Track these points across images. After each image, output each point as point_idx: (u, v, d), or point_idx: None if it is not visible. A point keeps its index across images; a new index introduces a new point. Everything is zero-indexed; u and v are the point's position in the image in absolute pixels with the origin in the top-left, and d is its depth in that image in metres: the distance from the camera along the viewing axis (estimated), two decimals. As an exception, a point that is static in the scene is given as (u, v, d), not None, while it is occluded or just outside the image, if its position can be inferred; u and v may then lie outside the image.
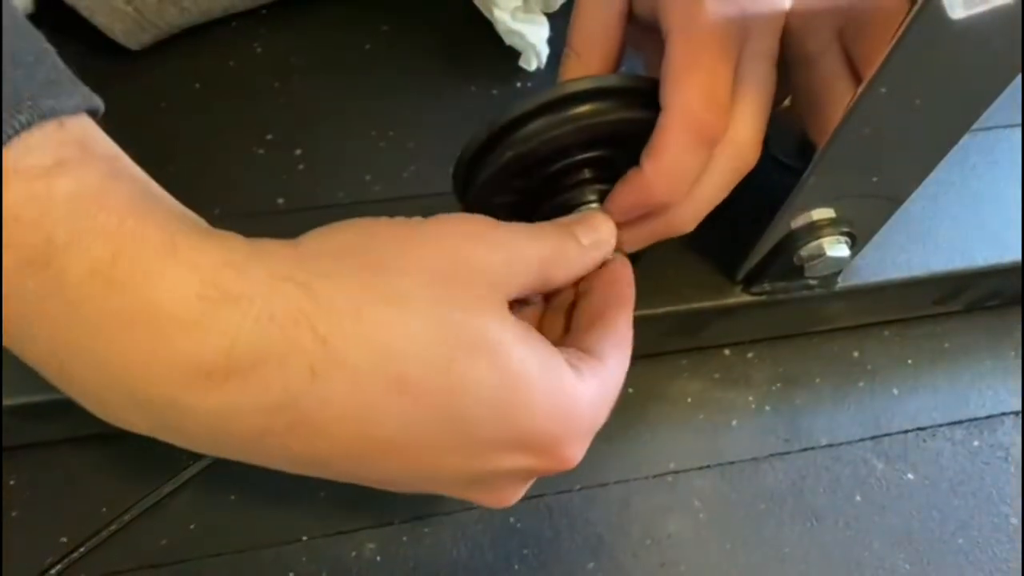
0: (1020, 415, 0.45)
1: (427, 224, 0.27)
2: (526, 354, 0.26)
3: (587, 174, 0.34)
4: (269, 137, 0.48)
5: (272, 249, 0.25)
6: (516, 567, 0.40)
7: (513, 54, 0.51)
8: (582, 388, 0.28)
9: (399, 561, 0.40)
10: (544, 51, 0.50)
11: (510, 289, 0.28)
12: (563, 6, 0.50)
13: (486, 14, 0.51)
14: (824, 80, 0.32)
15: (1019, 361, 0.47)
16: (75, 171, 0.23)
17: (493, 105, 0.50)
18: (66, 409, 0.38)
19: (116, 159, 0.25)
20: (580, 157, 0.33)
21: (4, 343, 0.24)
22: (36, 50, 0.24)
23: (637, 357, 0.44)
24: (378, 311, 0.24)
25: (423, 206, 0.40)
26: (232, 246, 0.25)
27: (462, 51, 0.52)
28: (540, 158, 0.33)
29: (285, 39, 0.51)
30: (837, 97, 0.31)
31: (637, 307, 0.38)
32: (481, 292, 0.26)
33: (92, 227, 0.22)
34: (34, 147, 0.22)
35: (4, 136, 0.21)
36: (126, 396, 0.24)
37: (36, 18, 0.46)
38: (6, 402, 0.37)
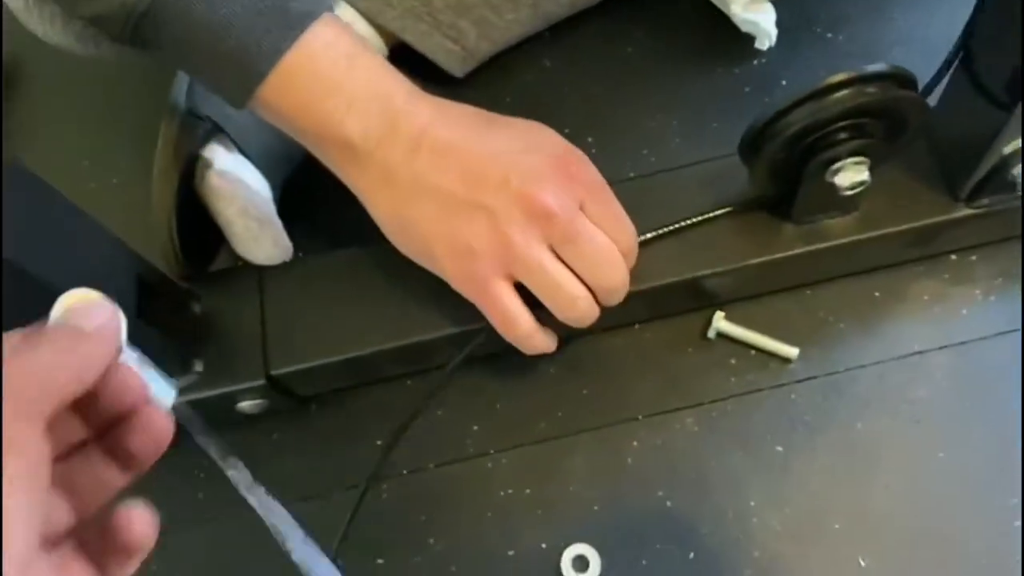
0: None
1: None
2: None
3: (842, 136, 0.46)
4: (567, 131, 0.63)
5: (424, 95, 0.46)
6: (799, 429, 0.54)
7: (748, 38, 0.63)
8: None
9: (717, 432, 0.54)
10: (774, 32, 0.63)
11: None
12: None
13: (723, 9, 0.64)
14: None
15: None
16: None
17: (737, 81, 0.63)
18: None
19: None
20: (840, 125, 0.46)
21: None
22: None
23: (878, 268, 0.57)
24: (473, 132, 0.45)
25: (691, 173, 0.54)
26: (407, 83, 0.46)
27: (705, 41, 0.65)
28: (809, 131, 0.45)
29: (565, 52, 0.67)
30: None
31: (879, 227, 0.51)
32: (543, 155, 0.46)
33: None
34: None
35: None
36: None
37: (392, 59, 0.63)
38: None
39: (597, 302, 0.47)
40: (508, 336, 0.48)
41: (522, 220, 0.44)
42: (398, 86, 0.45)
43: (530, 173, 0.44)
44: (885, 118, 0.45)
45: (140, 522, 0.26)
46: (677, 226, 0.52)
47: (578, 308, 0.47)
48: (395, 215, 0.46)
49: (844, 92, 0.43)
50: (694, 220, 0.52)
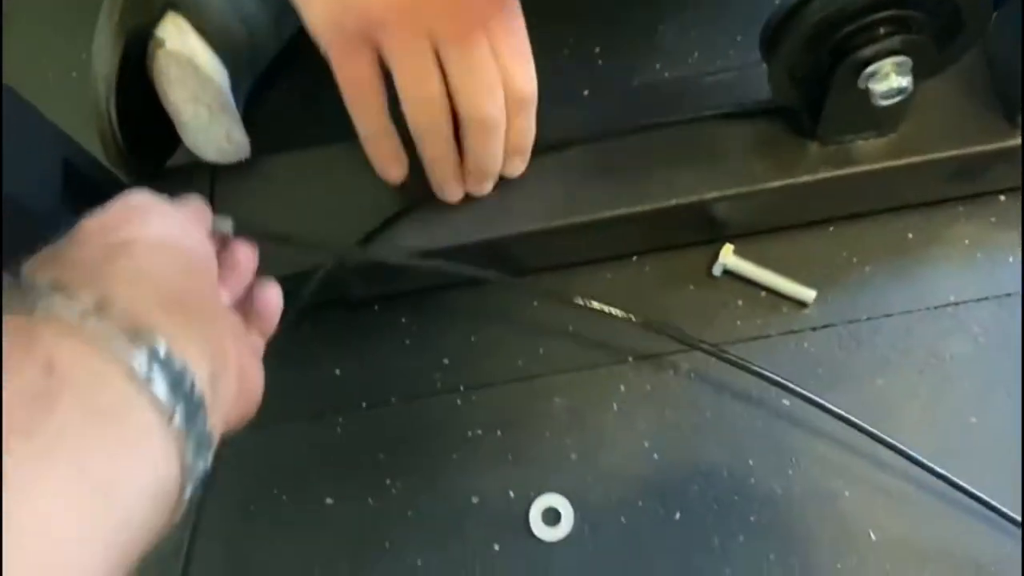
0: None
1: None
2: None
3: (881, 30, 0.39)
4: (571, 39, 0.57)
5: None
6: (811, 382, 0.47)
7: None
8: None
9: (715, 380, 0.48)
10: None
11: None
12: None
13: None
14: None
15: None
16: None
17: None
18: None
19: None
20: (879, 16, 0.39)
21: None
22: None
23: (914, 205, 0.50)
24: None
25: (709, 83, 0.47)
26: None
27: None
28: (841, 20, 0.38)
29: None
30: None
31: (919, 152, 0.44)
32: None
33: None
34: None
35: None
36: None
37: None
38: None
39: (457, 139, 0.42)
40: (355, 120, 0.42)
41: None
42: None
43: None
44: (934, 11, 0.38)
45: (275, 294, 0.39)
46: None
47: (429, 112, 0.40)
48: None
49: None
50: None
